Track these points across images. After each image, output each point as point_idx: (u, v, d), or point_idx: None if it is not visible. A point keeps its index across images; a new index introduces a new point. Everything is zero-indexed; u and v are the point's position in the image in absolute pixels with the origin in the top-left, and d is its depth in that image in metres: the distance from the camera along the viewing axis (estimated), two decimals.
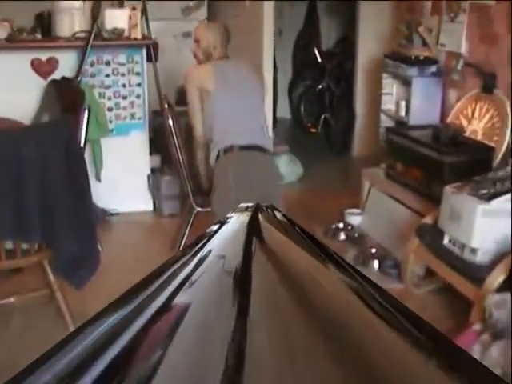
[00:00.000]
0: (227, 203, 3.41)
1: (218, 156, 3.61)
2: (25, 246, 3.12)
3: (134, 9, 4.74)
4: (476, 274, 3.13)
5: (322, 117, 7.14)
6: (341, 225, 4.69)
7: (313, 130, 7.29)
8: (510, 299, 2.83)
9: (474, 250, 3.18)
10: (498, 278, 3.00)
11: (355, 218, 4.73)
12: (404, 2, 5.37)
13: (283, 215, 0.69)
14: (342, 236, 4.58)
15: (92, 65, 4.72)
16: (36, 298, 3.44)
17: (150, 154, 5.11)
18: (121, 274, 3.95)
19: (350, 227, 4.67)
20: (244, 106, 3.73)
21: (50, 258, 3.17)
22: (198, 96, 3.72)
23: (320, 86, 7.15)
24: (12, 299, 3.34)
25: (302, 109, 7.49)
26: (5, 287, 3.55)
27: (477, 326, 2.93)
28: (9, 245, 3.08)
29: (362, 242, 4.46)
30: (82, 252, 3.16)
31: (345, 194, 5.24)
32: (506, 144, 3.94)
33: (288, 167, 5.87)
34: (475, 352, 2.78)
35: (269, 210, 0.70)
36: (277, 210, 0.71)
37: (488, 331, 2.83)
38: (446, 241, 3.37)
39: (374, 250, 4.20)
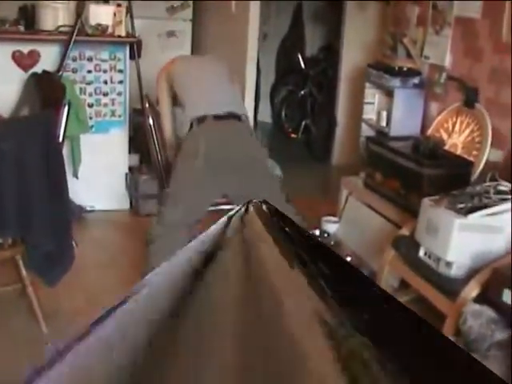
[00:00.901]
0: (192, 177, 3.34)
1: (190, 127, 3.44)
2: None
3: (118, 6, 4.73)
4: (450, 287, 3.14)
5: (303, 123, 7.15)
6: (317, 232, 4.69)
7: (293, 136, 7.30)
8: (487, 313, 2.85)
9: (449, 264, 3.19)
10: (472, 292, 3.01)
11: (332, 226, 4.74)
12: (390, 12, 5.39)
13: (276, 212, 0.67)
14: None
15: (74, 60, 4.68)
16: (7, 293, 3.40)
17: (129, 152, 5.09)
18: (94, 273, 3.94)
19: (326, 235, 4.67)
20: (213, 81, 3.66)
21: (23, 254, 3.15)
22: (166, 90, 3.69)
23: (302, 92, 7.17)
24: None
25: (283, 114, 7.50)
26: None
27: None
28: None
29: (337, 250, 4.46)
30: (57, 248, 3.14)
31: (322, 201, 5.25)
32: (484, 159, 3.97)
33: None
34: None
35: (258, 207, 0.69)
36: (268, 204, 0.68)
37: (460, 344, 2.84)
38: (421, 253, 3.39)
39: (349, 259, 4.19)
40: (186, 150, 3.42)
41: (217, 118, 3.41)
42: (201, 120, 3.40)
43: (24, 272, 3.20)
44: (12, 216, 2.90)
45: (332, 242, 4.57)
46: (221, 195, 3.44)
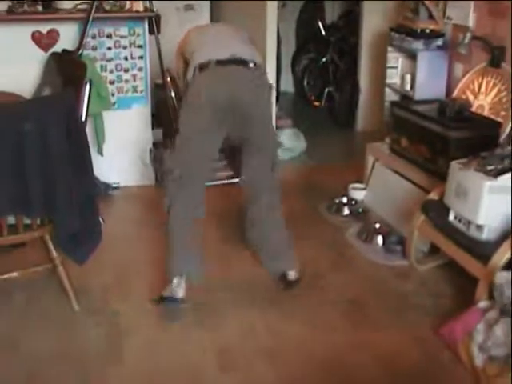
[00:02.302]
0: (195, 124, 3.25)
1: (193, 75, 3.27)
2: (27, 220, 3.08)
3: None
4: (482, 251, 3.08)
5: (326, 90, 7.04)
6: (344, 199, 4.65)
7: (316, 104, 7.19)
8: None
9: (480, 227, 3.13)
10: (504, 255, 2.95)
11: (359, 193, 4.69)
12: None
13: None
14: (346, 211, 4.55)
15: (93, 37, 4.64)
16: (38, 273, 3.40)
17: (152, 127, 5.06)
18: (122, 248, 3.94)
19: (353, 202, 4.63)
20: (224, 34, 3.54)
21: (51, 233, 3.16)
22: (181, 60, 3.57)
23: (324, 60, 7.05)
24: (15, 274, 3.29)
25: (306, 82, 7.39)
26: (7, 262, 3.53)
27: (482, 304, 2.89)
28: (11, 220, 3.05)
29: (365, 217, 4.43)
30: (84, 226, 3.12)
31: (349, 169, 5.19)
32: None
33: (291, 141, 5.82)
34: (480, 331, 2.75)
35: None
36: None
37: (493, 309, 2.79)
38: (451, 217, 3.33)
39: (378, 226, 4.16)
40: (188, 96, 3.29)
41: (220, 62, 3.23)
42: (203, 66, 3.23)
43: (54, 251, 3.21)
44: (38, 196, 2.88)
45: (360, 210, 4.53)
46: (225, 135, 3.34)
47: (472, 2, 4.36)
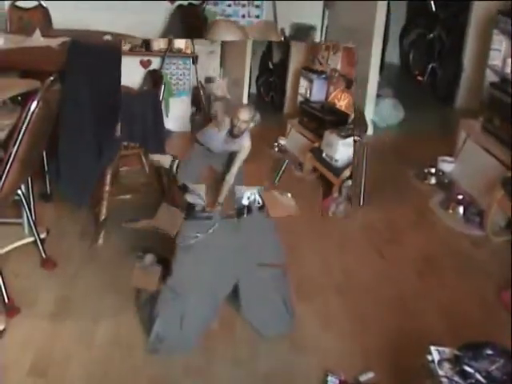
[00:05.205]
0: None
1: None
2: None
3: None
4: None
5: (430, 66, 6.71)
6: (433, 170, 4.57)
7: (419, 78, 6.88)
8: None
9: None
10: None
11: (448, 165, 4.58)
12: None
13: None
14: (433, 180, 4.49)
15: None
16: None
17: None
18: None
19: (441, 173, 4.54)
20: None
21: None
22: None
23: (431, 35, 6.69)
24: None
25: (411, 56, 7.07)
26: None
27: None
28: None
29: (450, 187, 4.32)
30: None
31: (441, 142, 5.02)
32: None
33: (389, 111, 5.64)
34: None
35: None
36: None
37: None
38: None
39: (460, 197, 4.06)
40: None
41: None
42: None
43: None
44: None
45: (446, 180, 4.45)
46: None
47: None
